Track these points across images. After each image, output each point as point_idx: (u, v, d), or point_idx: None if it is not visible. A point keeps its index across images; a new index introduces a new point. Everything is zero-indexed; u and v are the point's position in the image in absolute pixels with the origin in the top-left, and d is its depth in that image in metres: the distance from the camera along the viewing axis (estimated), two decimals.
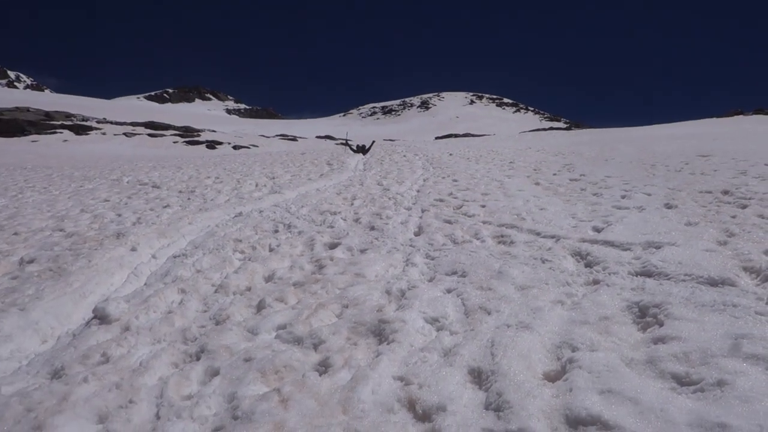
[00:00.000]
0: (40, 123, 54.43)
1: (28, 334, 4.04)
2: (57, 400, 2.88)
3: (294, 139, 68.46)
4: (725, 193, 7.65)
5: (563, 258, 4.91)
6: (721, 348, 2.69)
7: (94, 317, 4.27)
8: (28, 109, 63.76)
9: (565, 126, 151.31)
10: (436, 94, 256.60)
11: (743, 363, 2.54)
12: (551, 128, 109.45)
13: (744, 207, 6.51)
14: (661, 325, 3.16)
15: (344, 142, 29.37)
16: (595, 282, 4.17)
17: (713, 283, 3.75)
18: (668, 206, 6.94)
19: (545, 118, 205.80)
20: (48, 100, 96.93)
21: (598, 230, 5.84)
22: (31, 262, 5.93)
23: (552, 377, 2.78)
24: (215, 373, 3.19)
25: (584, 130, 60.09)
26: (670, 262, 4.26)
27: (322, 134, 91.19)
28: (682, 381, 2.52)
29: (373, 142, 30.71)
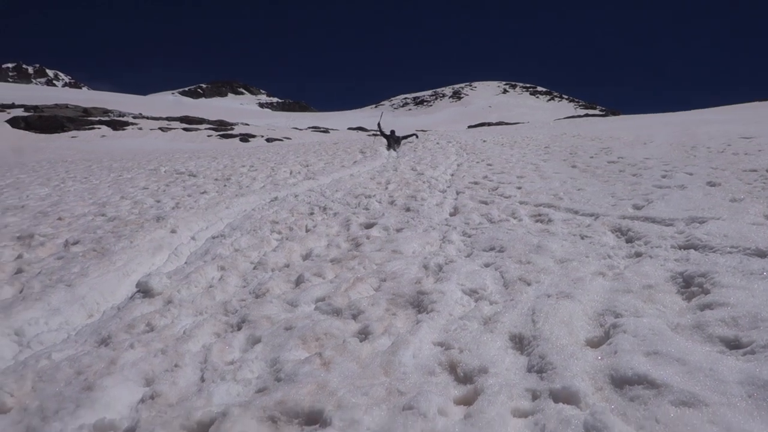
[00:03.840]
0: (79, 119, 55.61)
1: (75, 309, 4.16)
2: (105, 364, 2.95)
3: (326, 130, 68.80)
4: None
5: (603, 234, 4.84)
6: None
7: (138, 291, 4.37)
8: (66, 106, 65.19)
9: (601, 113, 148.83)
10: (468, 83, 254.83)
11: None
12: (587, 115, 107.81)
13: None
14: (707, 293, 3.09)
15: (377, 129, 23.63)
16: (637, 255, 4.10)
17: (761, 254, 3.64)
18: (711, 184, 6.78)
19: (580, 105, 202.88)
20: (86, 97, 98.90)
21: (638, 208, 5.74)
22: (75, 243, 6.08)
23: (595, 343, 2.75)
24: (257, 340, 3.23)
25: (621, 116, 59.08)
26: (715, 235, 4.16)
27: (354, 126, 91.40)
28: (731, 344, 2.46)
29: (415, 134, 24.31)
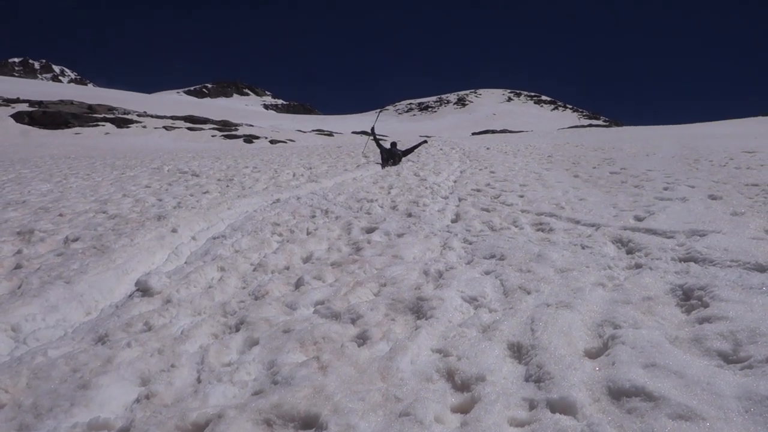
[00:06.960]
0: (83, 116, 55.76)
1: (73, 306, 4.16)
2: (101, 362, 2.95)
3: (330, 134, 68.93)
4: None
5: (604, 244, 4.82)
6: None
7: (137, 290, 4.36)
8: (71, 102, 65.34)
9: (604, 124, 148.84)
10: (472, 90, 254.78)
11: None
12: (590, 125, 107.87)
13: None
14: (706, 306, 3.07)
15: (372, 137, 17.69)
16: (638, 266, 4.08)
17: (761, 269, 3.62)
18: (713, 197, 6.77)
19: (584, 116, 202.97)
20: (91, 94, 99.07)
21: (639, 219, 5.72)
22: (75, 240, 6.08)
23: (593, 354, 2.74)
24: (254, 342, 3.22)
25: (624, 127, 59.10)
26: (715, 248, 4.13)
27: (358, 130, 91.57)
28: (729, 358, 2.45)
29: (425, 141, 19.80)
